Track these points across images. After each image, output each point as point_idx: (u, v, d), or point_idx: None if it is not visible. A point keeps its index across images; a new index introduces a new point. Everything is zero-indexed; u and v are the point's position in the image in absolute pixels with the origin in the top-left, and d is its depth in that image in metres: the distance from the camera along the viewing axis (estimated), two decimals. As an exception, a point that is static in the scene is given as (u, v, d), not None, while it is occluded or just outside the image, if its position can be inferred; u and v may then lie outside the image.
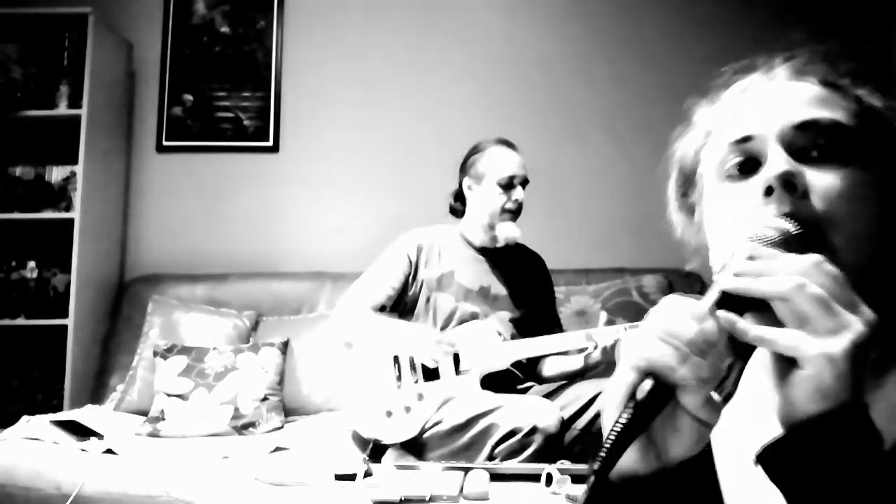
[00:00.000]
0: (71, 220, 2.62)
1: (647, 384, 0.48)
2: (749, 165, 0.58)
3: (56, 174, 2.75)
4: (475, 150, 2.14)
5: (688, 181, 0.69)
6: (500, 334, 2.04)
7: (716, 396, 0.48)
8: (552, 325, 2.18)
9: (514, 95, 3.02)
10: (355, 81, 3.04)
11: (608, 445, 0.47)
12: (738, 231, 0.56)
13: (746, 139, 0.58)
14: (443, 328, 2.06)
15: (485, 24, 3.07)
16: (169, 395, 2.26)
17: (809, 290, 0.44)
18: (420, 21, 3.07)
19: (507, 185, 2.06)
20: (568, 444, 1.83)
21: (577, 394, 1.91)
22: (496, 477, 1.54)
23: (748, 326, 0.46)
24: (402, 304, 2.13)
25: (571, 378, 2.07)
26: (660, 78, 3.01)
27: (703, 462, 0.57)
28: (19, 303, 2.67)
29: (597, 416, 1.85)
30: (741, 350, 0.48)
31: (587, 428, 1.84)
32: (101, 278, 2.80)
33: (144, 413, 2.29)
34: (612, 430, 0.48)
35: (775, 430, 0.46)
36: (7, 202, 2.70)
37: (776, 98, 0.59)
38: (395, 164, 3.01)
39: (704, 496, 0.58)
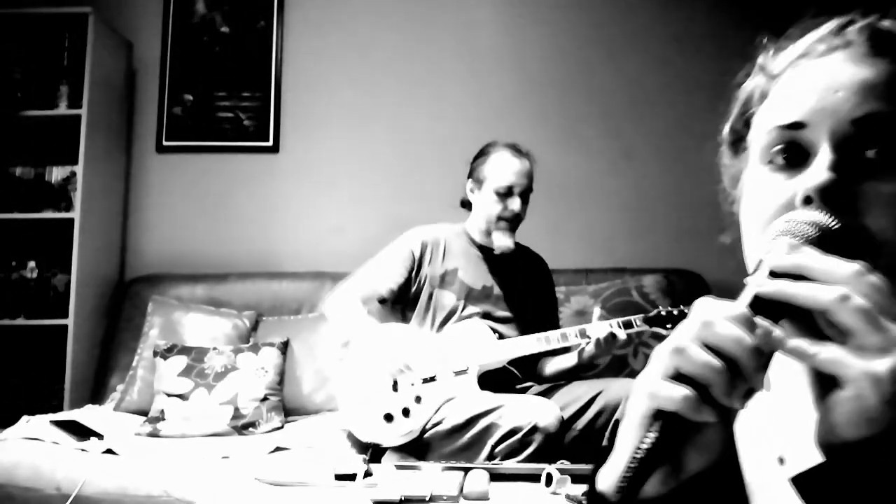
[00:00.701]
0: (71, 220, 2.62)
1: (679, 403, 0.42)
2: (795, 155, 0.50)
3: (56, 174, 2.75)
4: (482, 153, 2.12)
5: (742, 129, 0.59)
6: (495, 332, 2.04)
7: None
8: (552, 326, 2.18)
9: (515, 95, 3.02)
10: (355, 81, 3.04)
11: (630, 474, 0.42)
12: (771, 229, 0.49)
13: (795, 126, 0.50)
14: (443, 325, 2.06)
15: (485, 25, 3.07)
16: (169, 395, 2.26)
17: (854, 303, 0.39)
18: (420, 21, 3.07)
19: (505, 194, 2.04)
20: (568, 444, 1.83)
21: (578, 394, 1.91)
22: (496, 477, 1.54)
23: (784, 338, 0.42)
24: (404, 300, 2.13)
25: (569, 375, 2.07)
26: (660, 78, 3.01)
27: (725, 466, 0.52)
28: (19, 303, 2.67)
29: (597, 416, 1.85)
30: (770, 356, 0.44)
31: (587, 428, 1.85)
32: (101, 278, 2.80)
33: (144, 413, 2.29)
34: (634, 456, 0.43)
35: (806, 433, 0.43)
36: (7, 202, 2.70)
37: (838, 79, 0.49)
38: (396, 164, 3.01)
39: (728, 494, 0.53)
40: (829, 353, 0.40)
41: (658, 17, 3.03)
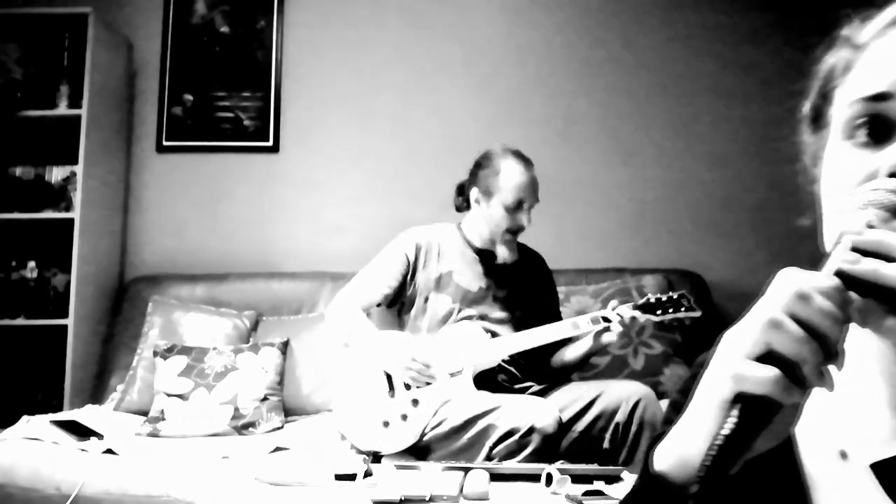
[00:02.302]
0: (71, 220, 2.62)
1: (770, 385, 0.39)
2: (878, 129, 0.47)
3: (56, 174, 2.75)
4: (488, 160, 2.07)
5: (822, 105, 0.55)
6: (491, 334, 2.04)
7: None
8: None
9: (515, 96, 3.02)
10: (355, 81, 3.04)
11: (711, 461, 0.40)
12: (853, 201, 0.46)
13: (879, 97, 0.47)
14: (439, 328, 2.06)
15: (485, 25, 3.07)
16: (169, 395, 2.26)
17: None
18: (420, 21, 3.07)
19: (515, 209, 2.03)
20: (567, 446, 1.83)
21: (577, 395, 1.91)
22: (496, 477, 1.54)
23: (882, 317, 0.40)
24: (399, 303, 2.13)
25: (574, 366, 2.07)
26: (661, 78, 3.01)
27: (783, 455, 0.51)
28: (19, 303, 2.67)
29: (596, 419, 1.84)
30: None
31: (587, 431, 1.84)
32: (101, 278, 2.80)
33: (144, 413, 2.29)
34: (715, 443, 0.40)
35: (872, 427, 0.41)
36: (7, 202, 2.70)
37: None
38: (396, 164, 3.01)
39: (786, 486, 0.51)
40: None
41: (658, 17, 3.03)
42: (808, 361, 0.39)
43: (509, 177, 2.02)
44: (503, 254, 2.08)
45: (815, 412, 0.53)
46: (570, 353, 2.06)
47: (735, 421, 0.40)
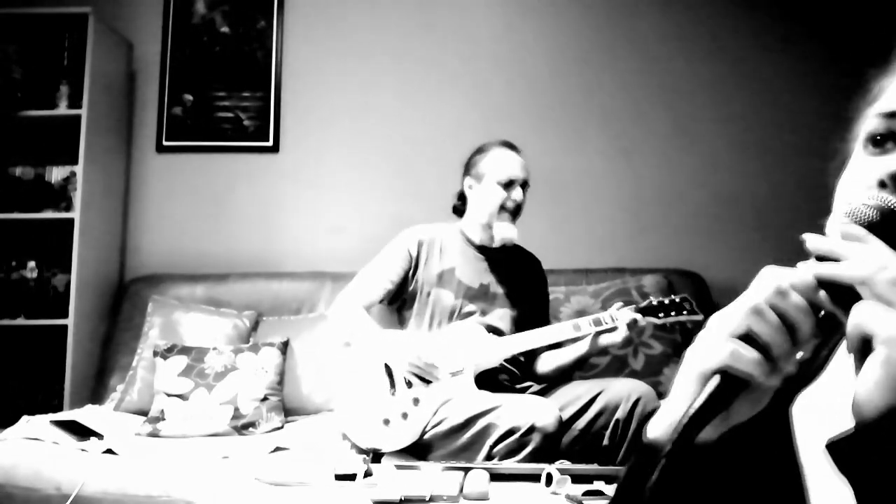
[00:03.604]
0: (71, 220, 2.62)
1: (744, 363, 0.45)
2: (889, 142, 0.53)
3: (56, 174, 2.75)
4: (479, 151, 2.16)
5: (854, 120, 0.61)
6: (494, 331, 2.04)
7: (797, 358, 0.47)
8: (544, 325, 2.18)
9: (514, 95, 3.02)
10: (355, 81, 3.04)
11: (686, 422, 0.46)
12: (836, 213, 0.52)
13: (893, 114, 0.52)
14: (443, 324, 2.06)
15: (485, 25, 3.07)
16: (169, 395, 2.26)
17: (889, 274, 0.42)
18: (420, 21, 3.07)
19: (507, 185, 2.07)
20: (568, 444, 1.83)
21: (577, 393, 1.91)
22: (496, 477, 1.54)
23: (825, 297, 0.45)
24: (400, 299, 2.13)
25: (571, 370, 2.07)
26: (661, 78, 3.01)
27: (778, 443, 0.56)
28: (19, 303, 2.67)
29: (597, 416, 1.85)
30: (829, 330, 0.47)
31: (587, 428, 1.85)
32: (101, 278, 2.80)
33: (144, 413, 2.28)
34: (690, 407, 0.46)
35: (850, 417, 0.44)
36: (7, 202, 2.70)
37: None
38: (395, 164, 3.01)
39: (779, 464, 0.56)
40: (866, 311, 0.42)
41: (658, 17, 3.03)
42: (779, 346, 0.45)
43: (499, 156, 2.10)
44: (502, 232, 2.09)
45: (813, 402, 0.57)
46: (569, 355, 2.06)
47: (710, 392, 0.46)
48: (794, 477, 0.56)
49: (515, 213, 2.10)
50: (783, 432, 0.57)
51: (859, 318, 0.42)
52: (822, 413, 0.56)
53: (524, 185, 2.10)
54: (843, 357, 0.58)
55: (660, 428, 0.52)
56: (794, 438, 0.57)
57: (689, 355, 0.49)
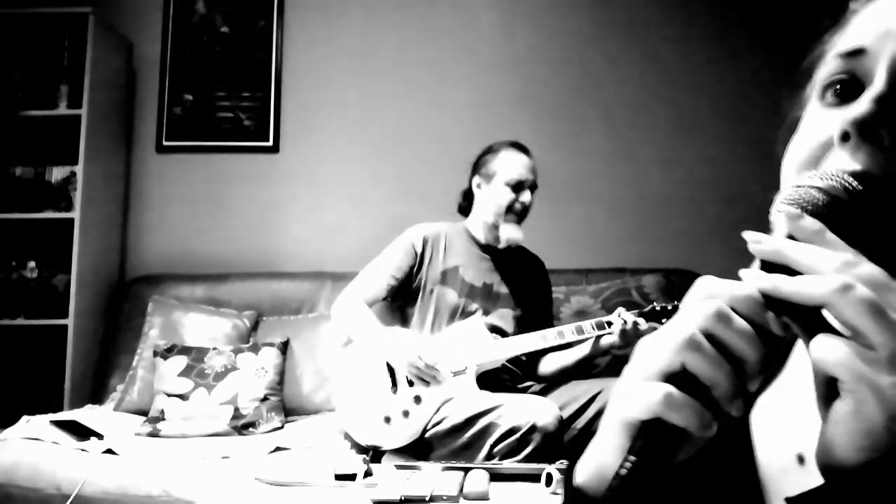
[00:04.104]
0: (71, 220, 2.62)
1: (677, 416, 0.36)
2: (849, 88, 0.43)
3: (56, 174, 2.75)
4: (488, 151, 2.16)
5: (804, 77, 0.50)
6: (497, 330, 2.04)
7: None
8: (546, 328, 2.19)
9: (515, 94, 3.02)
10: (355, 81, 3.04)
11: (616, 485, 0.37)
12: (800, 168, 0.43)
13: (855, 52, 0.43)
14: (445, 323, 2.07)
15: (486, 24, 3.07)
16: (169, 395, 2.26)
17: (857, 294, 0.33)
18: (420, 21, 3.07)
19: (516, 187, 2.08)
20: (567, 443, 1.83)
21: (577, 393, 1.92)
22: (496, 477, 1.54)
23: (774, 320, 0.36)
24: (404, 296, 2.14)
25: (573, 372, 2.08)
26: (661, 78, 3.01)
27: (737, 453, 0.49)
28: (19, 303, 2.67)
29: (597, 415, 1.85)
30: (786, 354, 0.39)
31: (587, 427, 1.85)
32: (101, 278, 2.80)
33: (144, 413, 2.29)
34: (622, 469, 0.37)
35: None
36: (7, 202, 2.70)
37: None
38: (396, 164, 3.01)
39: (737, 471, 0.49)
40: (830, 350, 0.33)
41: (658, 18, 3.03)
42: (722, 386, 0.36)
43: (508, 158, 2.10)
44: (508, 233, 2.10)
45: (775, 409, 0.50)
46: (572, 356, 2.07)
47: (639, 448, 0.37)
48: (755, 493, 0.48)
49: (522, 214, 2.11)
50: (742, 443, 0.50)
51: (819, 356, 0.33)
52: (784, 419, 0.48)
53: (533, 187, 2.10)
54: (804, 350, 0.46)
55: (586, 472, 0.44)
56: (755, 449, 0.50)
57: (615, 396, 0.40)
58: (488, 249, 2.16)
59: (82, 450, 1.88)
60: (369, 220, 2.93)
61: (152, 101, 3.05)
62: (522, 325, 2.10)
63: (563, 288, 2.57)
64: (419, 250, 2.13)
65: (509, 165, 2.09)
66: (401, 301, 2.15)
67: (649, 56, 3.02)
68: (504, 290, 2.14)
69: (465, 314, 2.07)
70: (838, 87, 0.44)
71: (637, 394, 0.37)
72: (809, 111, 0.47)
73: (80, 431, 2.01)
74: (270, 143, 3.02)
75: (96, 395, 2.57)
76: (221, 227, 3.00)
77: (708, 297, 0.37)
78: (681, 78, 3.01)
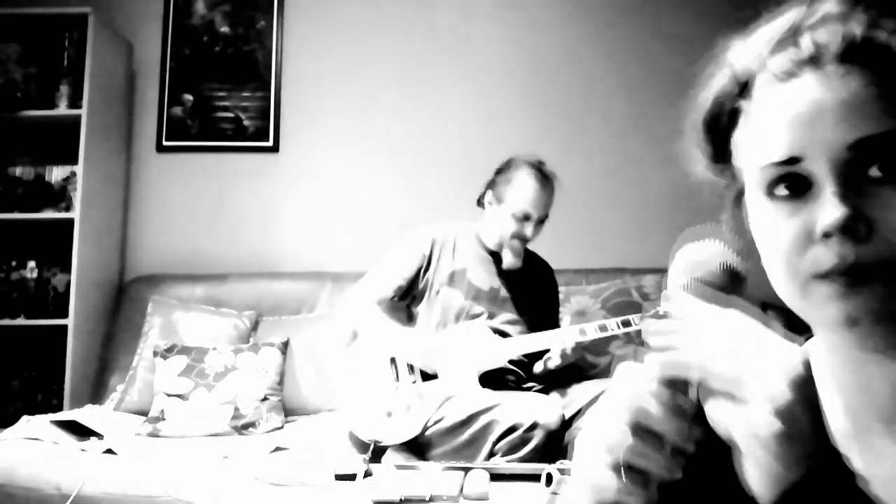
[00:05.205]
0: (71, 220, 2.62)
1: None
2: (797, 186, 0.47)
3: (56, 174, 2.75)
4: (506, 167, 2.12)
5: (720, 143, 0.56)
6: (501, 334, 2.05)
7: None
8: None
9: (515, 95, 3.02)
10: (355, 81, 3.04)
11: None
12: (789, 265, 0.46)
13: (790, 161, 0.46)
14: (450, 324, 2.07)
15: (486, 25, 3.07)
16: (169, 395, 2.26)
17: (719, 368, 0.39)
18: (421, 21, 3.07)
19: (521, 219, 2.07)
20: (569, 443, 1.83)
21: (580, 392, 1.92)
22: (496, 477, 1.54)
23: (680, 398, 0.42)
24: (411, 296, 2.14)
25: (562, 370, 2.08)
26: (661, 78, 3.01)
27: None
28: (19, 303, 2.67)
29: (597, 416, 1.85)
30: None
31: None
32: (101, 278, 2.80)
33: (144, 413, 2.28)
34: None
35: (837, 434, 0.43)
36: (7, 202, 2.70)
37: (820, 106, 0.46)
38: (396, 164, 3.01)
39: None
40: (712, 411, 0.39)
41: (658, 19, 3.03)
42: (661, 466, 0.41)
43: (520, 188, 2.06)
44: (508, 260, 2.12)
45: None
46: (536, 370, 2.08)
47: None
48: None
49: (524, 242, 2.11)
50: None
51: (713, 420, 0.39)
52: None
53: (540, 220, 2.09)
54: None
55: None
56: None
57: (575, 486, 0.45)
58: (496, 254, 2.17)
59: (82, 450, 1.88)
60: (369, 220, 2.93)
61: (152, 101, 3.05)
62: (527, 329, 2.10)
63: (563, 288, 2.56)
64: (427, 253, 2.14)
65: (519, 197, 2.06)
66: (407, 300, 2.16)
67: (649, 57, 3.02)
68: (510, 294, 2.14)
69: (470, 317, 2.08)
70: (786, 184, 0.46)
71: (594, 488, 0.42)
72: (758, 202, 0.49)
73: (80, 431, 2.01)
74: (270, 142, 3.02)
75: (96, 395, 2.57)
76: (221, 227, 3.00)
77: (629, 395, 0.43)
78: (680, 79, 3.00)
